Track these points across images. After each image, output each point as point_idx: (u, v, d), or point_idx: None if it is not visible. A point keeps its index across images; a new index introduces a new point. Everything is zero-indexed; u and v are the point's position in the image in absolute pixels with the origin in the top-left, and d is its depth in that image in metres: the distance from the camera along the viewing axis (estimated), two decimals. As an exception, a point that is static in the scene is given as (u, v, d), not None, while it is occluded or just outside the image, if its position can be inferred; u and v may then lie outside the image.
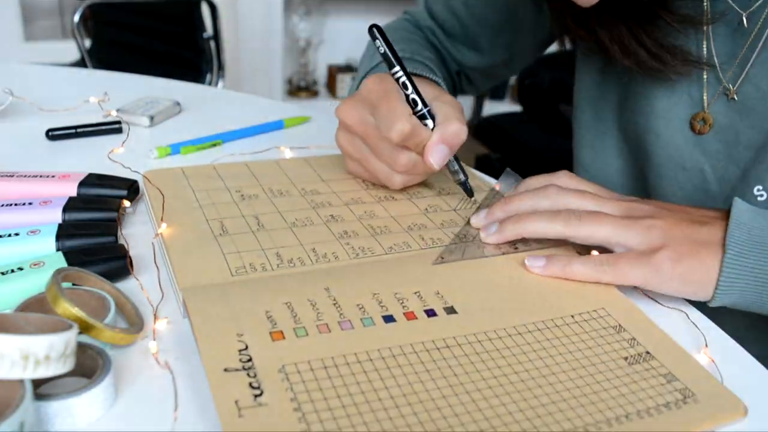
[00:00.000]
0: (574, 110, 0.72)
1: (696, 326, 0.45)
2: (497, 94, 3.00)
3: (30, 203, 0.51)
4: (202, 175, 0.60)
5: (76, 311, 0.36)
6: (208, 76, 1.96)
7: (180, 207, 0.54)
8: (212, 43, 1.95)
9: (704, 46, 0.58)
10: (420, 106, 0.54)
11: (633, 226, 0.47)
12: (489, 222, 0.52)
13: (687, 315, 0.46)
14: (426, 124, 0.54)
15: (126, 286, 0.45)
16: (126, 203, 0.54)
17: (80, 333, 0.37)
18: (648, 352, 0.41)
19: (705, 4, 0.57)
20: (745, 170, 0.57)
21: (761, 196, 0.56)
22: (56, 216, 0.50)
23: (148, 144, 0.69)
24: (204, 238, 0.49)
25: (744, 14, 0.56)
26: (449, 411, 0.35)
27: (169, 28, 1.98)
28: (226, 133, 0.72)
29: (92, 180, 0.56)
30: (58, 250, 0.47)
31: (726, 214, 0.48)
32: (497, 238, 0.50)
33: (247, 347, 0.38)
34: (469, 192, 0.58)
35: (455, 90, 0.84)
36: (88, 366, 0.36)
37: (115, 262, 0.46)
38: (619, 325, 0.43)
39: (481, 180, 0.64)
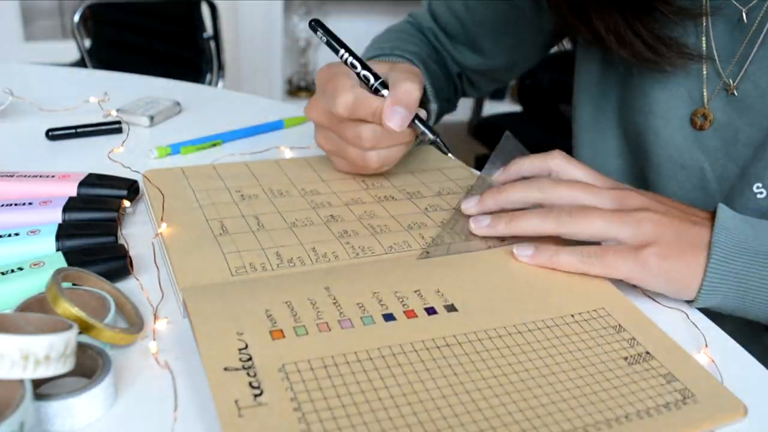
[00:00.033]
0: (574, 110, 0.72)
1: (696, 326, 0.45)
2: (497, 94, 3.00)
3: (30, 203, 0.51)
4: (202, 175, 0.60)
5: (76, 311, 0.36)
6: (208, 76, 1.96)
7: (180, 207, 0.54)
8: (212, 43, 1.95)
9: (703, 40, 0.58)
10: (372, 79, 0.55)
11: (624, 220, 0.46)
12: (480, 211, 0.52)
13: (687, 315, 0.46)
14: (383, 96, 0.54)
15: (126, 286, 0.45)
16: (126, 203, 0.54)
17: (80, 333, 0.37)
18: (648, 352, 0.41)
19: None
20: (744, 168, 0.57)
21: (761, 193, 0.56)
22: (56, 216, 0.50)
23: (148, 144, 0.69)
24: (204, 238, 0.49)
25: (744, 10, 0.56)
26: (449, 411, 0.35)
27: (169, 28, 1.98)
28: (226, 133, 0.72)
29: (92, 180, 0.56)
30: (58, 250, 0.47)
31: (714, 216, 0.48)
32: (489, 232, 0.50)
33: (247, 346, 0.38)
34: (444, 149, 0.58)
35: (457, 92, 0.84)
36: (88, 366, 0.36)
37: (115, 262, 0.46)
38: (619, 325, 0.43)
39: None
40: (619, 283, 0.48)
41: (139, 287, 0.45)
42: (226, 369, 0.36)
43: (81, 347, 0.36)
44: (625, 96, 0.66)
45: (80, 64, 1.89)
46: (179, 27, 1.95)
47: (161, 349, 0.40)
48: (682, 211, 0.49)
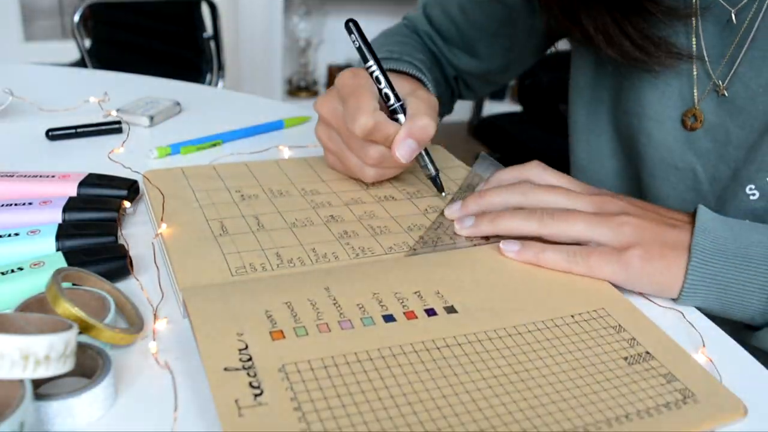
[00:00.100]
0: (569, 112, 0.73)
1: (693, 326, 0.45)
2: (497, 95, 3.01)
3: (30, 203, 0.51)
4: (202, 175, 0.60)
5: (76, 311, 0.36)
6: (208, 76, 1.96)
7: (180, 207, 0.54)
8: (212, 43, 1.95)
9: (693, 40, 0.58)
10: (393, 100, 0.55)
11: (605, 223, 0.48)
12: (463, 215, 0.53)
13: (683, 314, 0.46)
14: (398, 119, 0.55)
15: (126, 286, 0.45)
16: (126, 204, 0.54)
17: (80, 333, 0.37)
18: (648, 352, 0.41)
19: None
20: (736, 170, 0.58)
21: (753, 195, 0.56)
22: (56, 216, 0.50)
23: (148, 144, 0.69)
24: (204, 238, 0.49)
25: (733, 11, 0.56)
26: (449, 411, 0.35)
27: (169, 28, 1.98)
28: (226, 133, 0.72)
29: (92, 180, 0.56)
30: (58, 250, 0.47)
31: (695, 218, 0.49)
32: (472, 232, 0.52)
33: (247, 347, 0.38)
34: (439, 187, 0.59)
35: (453, 95, 0.84)
36: (88, 366, 0.36)
37: (115, 262, 0.46)
38: (619, 325, 0.43)
39: (481, 180, 0.63)
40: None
41: (139, 287, 0.45)
42: (226, 369, 0.36)
43: (81, 347, 0.36)
44: (618, 98, 0.66)
45: (80, 64, 1.89)
46: (179, 27, 1.95)
47: (161, 349, 0.40)
48: (660, 214, 0.50)
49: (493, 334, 0.41)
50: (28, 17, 2.64)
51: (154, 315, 0.42)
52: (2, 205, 0.51)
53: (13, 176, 0.56)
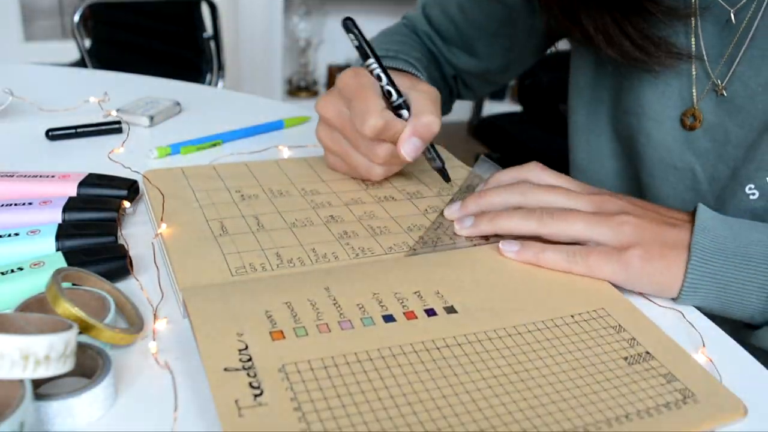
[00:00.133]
0: (569, 112, 0.73)
1: (693, 326, 0.45)
2: (497, 95, 3.01)
3: (30, 203, 0.51)
4: (202, 175, 0.60)
5: (76, 311, 0.36)
6: (208, 76, 1.96)
7: (180, 207, 0.54)
8: (212, 43, 1.95)
9: (692, 40, 0.58)
10: (395, 96, 0.55)
11: (604, 223, 0.48)
12: (462, 215, 0.53)
13: (683, 314, 0.46)
14: (401, 115, 0.55)
15: (126, 286, 0.45)
16: (126, 204, 0.54)
17: (80, 333, 0.37)
18: (648, 352, 0.41)
19: None
20: (735, 169, 0.58)
21: (753, 194, 0.56)
22: (56, 216, 0.50)
23: (148, 144, 0.69)
24: (204, 238, 0.49)
25: (732, 10, 0.56)
26: (449, 411, 0.35)
27: (169, 28, 1.98)
28: (226, 133, 0.72)
29: (92, 180, 0.56)
30: (58, 250, 0.47)
31: (694, 217, 0.49)
32: (471, 232, 0.52)
33: (247, 347, 0.38)
34: (446, 177, 0.60)
35: (452, 95, 0.84)
36: (88, 366, 0.36)
37: (115, 262, 0.46)
38: (619, 325, 0.43)
39: (481, 180, 0.63)
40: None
41: (139, 287, 0.45)
42: (226, 369, 0.36)
43: (81, 347, 0.36)
44: (618, 98, 0.66)
45: (80, 64, 1.89)
46: (179, 27, 1.95)
47: (161, 349, 0.40)
48: (659, 213, 0.50)
49: (493, 334, 0.41)
50: (28, 17, 2.64)
51: (154, 315, 0.42)
52: (2, 205, 0.51)
53: (13, 176, 0.56)
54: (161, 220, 0.51)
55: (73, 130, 0.70)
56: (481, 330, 0.41)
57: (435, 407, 0.35)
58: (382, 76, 0.55)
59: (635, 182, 0.67)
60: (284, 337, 0.39)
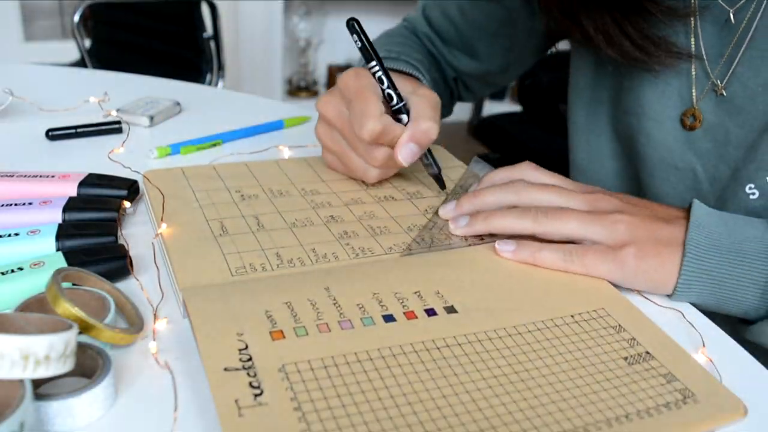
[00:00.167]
0: (569, 113, 0.73)
1: (693, 326, 0.45)
2: (497, 94, 3.01)
3: (30, 203, 0.51)
4: (202, 175, 0.60)
5: (76, 311, 0.36)
6: (208, 76, 1.96)
7: (180, 207, 0.54)
8: (212, 43, 1.95)
9: (692, 40, 0.58)
10: (396, 100, 0.55)
11: (599, 221, 0.48)
12: (457, 215, 0.53)
13: (683, 314, 0.46)
14: (400, 119, 0.55)
15: (126, 286, 0.45)
16: (126, 204, 0.54)
17: (80, 333, 0.37)
18: (648, 352, 0.41)
19: None
20: (736, 169, 0.58)
21: (753, 194, 0.56)
22: (56, 216, 0.51)
23: (148, 144, 0.69)
24: (204, 238, 0.49)
25: (731, 11, 0.56)
26: (449, 411, 0.35)
27: (169, 28, 1.98)
28: (226, 133, 0.72)
29: (92, 180, 0.56)
30: (58, 250, 0.47)
31: (689, 213, 0.49)
32: (466, 231, 0.52)
33: (247, 347, 0.38)
34: (442, 184, 0.60)
35: (453, 97, 0.84)
36: (88, 366, 0.36)
37: (115, 262, 0.46)
38: (619, 325, 0.43)
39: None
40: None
41: (139, 287, 0.45)
42: (226, 369, 0.36)
43: (81, 347, 0.36)
44: (618, 98, 0.66)
45: (80, 64, 1.89)
46: (179, 27, 1.95)
47: (161, 349, 0.40)
48: (653, 210, 0.50)
49: (493, 334, 0.41)
50: (28, 17, 2.64)
51: (154, 315, 0.42)
52: (2, 205, 0.51)
53: (13, 176, 0.56)
54: (161, 220, 0.51)
55: (73, 130, 0.70)
56: (482, 330, 0.41)
57: (435, 407, 0.35)
58: (384, 79, 0.55)
59: (635, 182, 0.67)
60: (284, 337, 0.39)
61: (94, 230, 0.49)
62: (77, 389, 0.34)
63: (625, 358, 0.40)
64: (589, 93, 0.70)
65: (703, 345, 0.43)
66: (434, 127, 0.55)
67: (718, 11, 0.57)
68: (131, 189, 0.56)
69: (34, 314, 0.37)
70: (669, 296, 0.48)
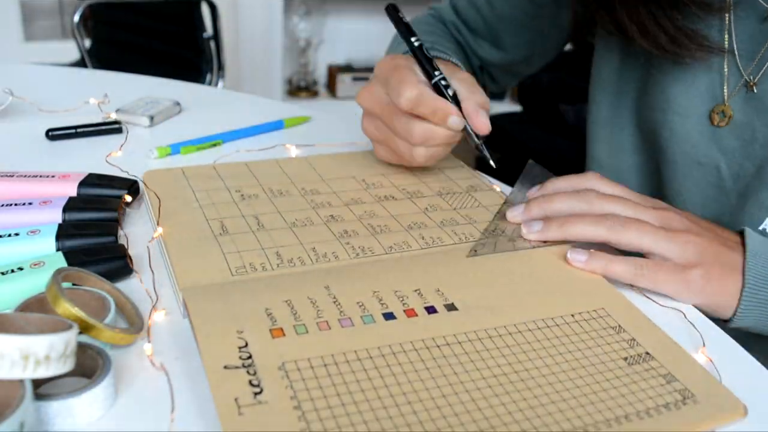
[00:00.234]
0: (590, 105, 0.72)
1: (693, 326, 0.45)
2: (497, 94, 3.00)
3: (30, 203, 0.51)
4: (202, 175, 0.60)
5: (76, 311, 0.36)
6: (208, 76, 1.96)
7: (180, 207, 0.54)
8: (212, 43, 1.94)
9: (725, 36, 0.58)
10: (436, 73, 0.57)
11: (672, 239, 0.48)
12: (527, 218, 0.53)
13: (684, 314, 0.46)
14: (445, 94, 0.56)
15: (126, 286, 0.45)
16: (128, 198, 0.54)
17: (80, 333, 0.37)
18: (648, 353, 0.41)
19: None
20: (760, 168, 0.58)
21: None
22: (56, 216, 0.51)
23: (148, 144, 0.69)
24: (204, 238, 0.50)
25: None
26: (449, 410, 0.35)
27: (169, 28, 1.98)
28: (226, 133, 0.72)
29: (92, 180, 0.56)
30: (58, 250, 0.47)
31: (743, 238, 0.50)
32: (539, 236, 0.51)
33: (247, 344, 0.38)
34: (488, 155, 0.59)
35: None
36: (88, 366, 0.36)
37: (115, 262, 0.46)
38: (619, 326, 0.43)
39: (481, 179, 0.64)
40: (618, 283, 0.48)
41: (139, 288, 0.45)
42: (225, 367, 0.36)
43: (81, 347, 0.36)
44: (644, 91, 0.66)
45: (80, 64, 1.89)
46: (179, 27, 1.95)
47: (161, 350, 0.40)
48: (718, 235, 0.51)
49: (493, 332, 0.41)
50: (28, 17, 2.64)
51: (150, 317, 0.42)
52: (2, 205, 0.51)
53: (13, 176, 0.56)
54: (161, 220, 0.51)
55: (73, 130, 0.70)
56: (482, 328, 0.41)
57: (435, 407, 0.35)
58: (423, 54, 0.57)
59: (656, 177, 0.67)
60: (284, 335, 0.39)
61: (94, 230, 0.49)
62: (77, 389, 0.34)
63: (625, 359, 0.40)
64: (613, 86, 0.69)
65: (703, 345, 0.43)
66: (488, 99, 0.56)
67: (755, 8, 0.57)
68: (131, 189, 0.56)
69: (34, 314, 0.37)
70: (725, 322, 0.48)
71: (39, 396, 0.33)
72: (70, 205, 0.51)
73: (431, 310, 0.43)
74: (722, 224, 0.55)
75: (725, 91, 0.59)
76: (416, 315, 0.42)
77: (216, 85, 1.96)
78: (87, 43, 1.95)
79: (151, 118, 0.75)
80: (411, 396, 0.36)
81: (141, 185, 0.58)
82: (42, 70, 0.99)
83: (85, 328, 0.37)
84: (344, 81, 2.89)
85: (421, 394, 0.36)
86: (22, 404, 0.30)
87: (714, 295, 0.47)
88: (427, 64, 0.57)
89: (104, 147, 0.68)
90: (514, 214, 0.54)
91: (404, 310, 0.42)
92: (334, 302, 0.42)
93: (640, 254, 0.49)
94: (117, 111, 0.75)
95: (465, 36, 0.79)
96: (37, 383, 0.35)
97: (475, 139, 0.58)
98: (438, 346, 0.40)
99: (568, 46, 0.78)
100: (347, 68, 2.92)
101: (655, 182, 0.67)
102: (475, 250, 0.50)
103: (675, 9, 0.57)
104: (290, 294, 0.43)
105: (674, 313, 0.46)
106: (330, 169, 0.63)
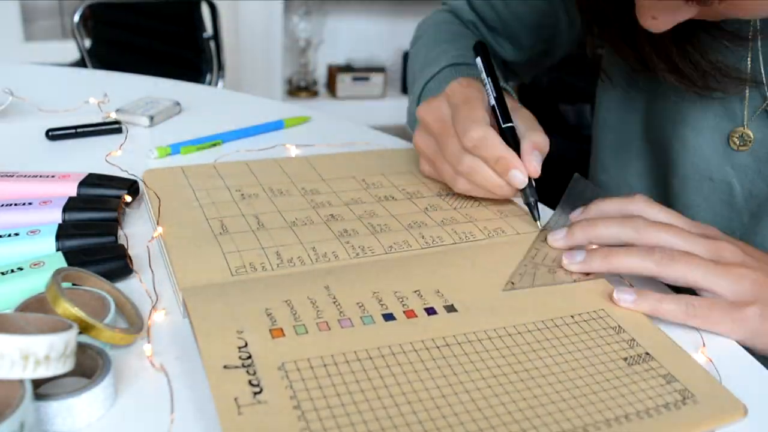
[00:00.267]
0: (597, 108, 0.71)
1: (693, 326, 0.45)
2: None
3: (30, 203, 0.51)
4: (202, 174, 0.60)
5: (76, 311, 0.36)
6: (208, 76, 1.96)
7: (180, 206, 0.54)
8: (212, 43, 1.95)
9: (749, 61, 0.56)
10: (503, 120, 0.56)
11: (725, 274, 0.45)
12: (568, 244, 0.51)
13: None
14: (507, 141, 0.54)
15: (126, 286, 0.45)
16: (128, 198, 0.54)
17: (80, 333, 0.37)
18: (647, 353, 0.41)
19: (754, 22, 0.54)
20: None
21: None
22: (56, 216, 0.51)
23: (148, 144, 0.69)
24: (204, 238, 0.50)
25: None
26: (449, 410, 0.35)
27: (169, 28, 1.98)
28: (226, 133, 0.72)
29: (92, 180, 0.56)
30: (58, 250, 0.47)
31: None
32: (582, 268, 0.48)
33: (246, 344, 0.38)
34: (537, 215, 0.55)
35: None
36: (88, 366, 0.36)
37: (115, 262, 0.46)
38: (619, 326, 0.43)
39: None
40: (618, 283, 0.48)
41: (139, 287, 0.45)
42: (225, 367, 0.36)
43: (81, 347, 0.36)
44: (653, 100, 0.64)
45: (80, 64, 1.89)
46: (179, 27, 1.95)
47: (161, 350, 0.40)
48: None
49: (492, 333, 0.41)
50: (28, 17, 2.64)
51: (149, 317, 0.42)
52: (2, 205, 0.51)
53: (13, 176, 0.56)
54: (161, 219, 0.51)
55: (73, 130, 0.70)
56: (481, 329, 0.41)
57: (434, 407, 0.35)
58: (497, 101, 0.56)
59: (662, 188, 0.65)
60: (284, 335, 0.39)
61: (94, 230, 0.49)
62: (77, 389, 0.34)
63: (625, 359, 0.40)
64: (622, 89, 0.68)
65: (703, 345, 0.43)
66: (548, 140, 0.55)
67: None
68: (131, 189, 0.56)
69: (34, 314, 0.37)
70: None
71: (39, 396, 0.33)
72: (70, 205, 0.51)
73: (431, 311, 0.43)
74: None
75: (745, 114, 0.57)
76: (416, 316, 0.42)
77: (216, 85, 1.97)
78: (87, 43, 1.95)
79: (151, 118, 0.75)
80: (411, 396, 0.36)
81: (141, 185, 0.58)
82: (42, 70, 0.99)
83: (84, 328, 0.37)
84: (344, 81, 2.89)
85: (420, 394, 0.36)
86: (22, 404, 0.30)
87: None
88: (502, 118, 0.56)
89: (104, 147, 0.68)
90: (555, 238, 0.51)
91: (404, 311, 0.42)
92: (334, 303, 0.42)
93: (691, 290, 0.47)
94: (117, 111, 0.75)
95: (484, 33, 0.78)
96: (37, 383, 0.35)
97: (529, 199, 0.55)
98: (438, 347, 0.40)
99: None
100: (347, 68, 2.92)
101: (662, 193, 0.65)
102: (513, 282, 0.47)
103: (707, 44, 0.54)
104: (290, 294, 0.43)
105: (674, 314, 0.46)
106: (330, 169, 0.63)
